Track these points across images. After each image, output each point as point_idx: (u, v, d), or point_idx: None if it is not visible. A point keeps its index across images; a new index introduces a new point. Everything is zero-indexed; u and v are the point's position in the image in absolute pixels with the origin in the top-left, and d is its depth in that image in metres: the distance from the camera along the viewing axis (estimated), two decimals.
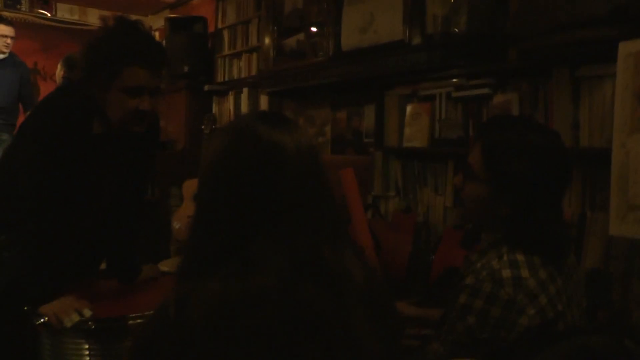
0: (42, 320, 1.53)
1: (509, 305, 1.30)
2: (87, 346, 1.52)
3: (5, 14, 5.60)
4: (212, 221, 0.96)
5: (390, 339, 0.97)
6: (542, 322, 1.30)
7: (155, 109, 1.82)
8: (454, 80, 2.85)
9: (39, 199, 1.69)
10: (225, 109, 5.00)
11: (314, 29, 3.68)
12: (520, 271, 1.33)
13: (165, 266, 2.31)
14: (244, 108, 4.72)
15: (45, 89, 6.43)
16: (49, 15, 6.35)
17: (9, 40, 4.84)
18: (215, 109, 5.13)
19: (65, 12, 6.47)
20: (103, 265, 2.20)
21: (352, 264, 0.96)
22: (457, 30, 2.61)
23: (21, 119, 5.23)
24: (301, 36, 3.79)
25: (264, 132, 0.96)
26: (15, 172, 1.75)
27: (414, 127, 3.07)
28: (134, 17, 5.88)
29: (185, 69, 5.07)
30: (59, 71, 3.93)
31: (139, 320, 1.49)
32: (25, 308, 1.61)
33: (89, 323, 1.51)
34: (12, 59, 5.00)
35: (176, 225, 4.23)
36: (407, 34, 2.85)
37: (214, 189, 0.97)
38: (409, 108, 3.11)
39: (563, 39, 2.18)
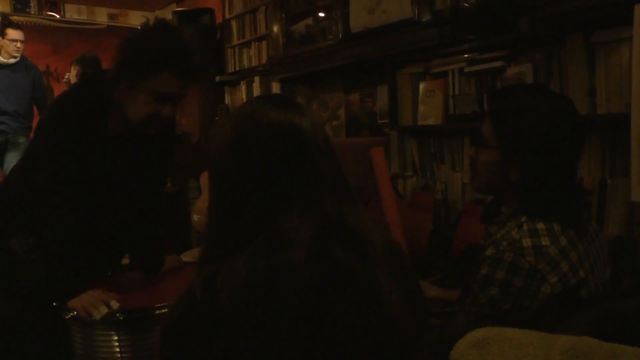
0: (71, 314, 1.56)
1: (531, 274, 1.30)
2: (116, 337, 1.54)
3: (15, 18, 5.64)
4: (234, 205, 0.97)
5: (414, 300, 0.99)
6: (565, 289, 1.30)
7: (173, 117, 1.83)
8: (466, 55, 2.83)
9: (60, 197, 1.71)
10: (238, 98, 5.01)
11: (321, 14, 3.67)
12: (541, 239, 1.33)
13: (187, 257, 2.33)
14: None
15: (58, 91, 6.48)
16: (57, 16, 6.39)
17: (19, 45, 4.89)
18: (227, 99, 5.15)
19: (73, 13, 6.50)
20: (126, 259, 2.24)
21: (372, 229, 0.99)
22: (466, 4, 2.59)
23: (36, 121, 5.29)
24: (310, 20, 3.77)
25: (277, 115, 0.99)
26: (35, 172, 1.77)
27: (428, 104, 3.05)
28: (141, 13, 5.88)
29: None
30: (73, 70, 3.96)
31: (165, 310, 1.51)
32: (55, 303, 1.64)
33: (117, 315, 1.54)
34: (23, 63, 5.05)
35: (196, 217, 4.26)
36: (416, 12, 2.83)
37: (232, 175, 0.98)
38: (422, 86, 3.09)
39: (575, 5, 2.15)
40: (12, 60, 4.84)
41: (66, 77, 4.96)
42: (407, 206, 2.95)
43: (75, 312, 1.56)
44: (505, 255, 1.32)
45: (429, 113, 3.05)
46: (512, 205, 1.45)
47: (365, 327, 0.88)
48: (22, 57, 5.00)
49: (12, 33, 4.83)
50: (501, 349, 0.94)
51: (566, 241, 1.34)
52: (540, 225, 1.35)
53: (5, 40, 4.80)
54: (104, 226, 1.87)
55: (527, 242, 1.32)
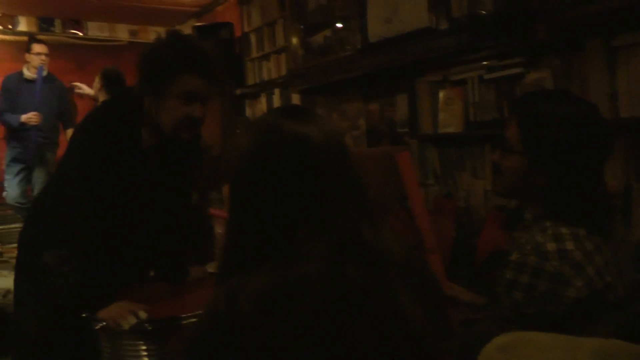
0: (101, 324, 1.58)
1: (556, 278, 1.29)
2: (144, 347, 1.56)
3: (41, 37, 5.76)
4: (251, 218, 0.98)
5: (437, 313, 0.98)
6: (591, 293, 1.29)
7: (205, 118, 1.85)
8: (485, 62, 2.83)
9: (89, 213, 1.74)
10: (258, 110, 5.05)
11: (339, 25, 3.70)
12: (565, 243, 1.32)
13: (211, 268, 2.35)
14: None
15: (82, 107, 6.58)
16: (80, 34, 6.51)
17: (44, 57, 5.00)
18: (248, 111, 5.19)
19: (95, 30, 6.62)
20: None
21: (392, 243, 0.98)
22: (483, 11, 2.60)
23: (62, 137, 5.38)
24: (328, 32, 3.81)
25: (289, 127, 0.98)
26: (66, 188, 1.81)
27: (448, 112, 3.06)
28: (160, 29, 5.96)
29: None
30: (96, 84, 4.03)
31: (192, 320, 1.53)
32: (84, 315, 1.66)
33: (145, 325, 1.56)
34: (49, 78, 5.15)
35: (219, 229, 4.29)
36: (434, 20, 2.85)
37: (248, 188, 0.99)
38: (441, 94, 3.09)
39: (595, 9, 2.15)
40: (41, 74, 4.95)
41: (78, 88, 5.04)
42: (430, 214, 2.95)
43: (104, 323, 1.58)
44: (529, 260, 1.32)
45: (449, 121, 3.05)
46: (536, 211, 1.45)
47: (383, 342, 0.88)
48: (48, 73, 5.10)
49: (36, 47, 4.95)
50: (528, 352, 0.94)
51: (592, 246, 1.33)
52: (565, 230, 1.35)
53: (31, 54, 4.92)
54: (133, 238, 1.90)
55: (551, 246, 1.32)
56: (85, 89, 4.95)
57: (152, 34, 6.90)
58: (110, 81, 3.96)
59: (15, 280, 2.00)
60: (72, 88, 5.53)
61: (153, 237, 1.98)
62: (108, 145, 1.76)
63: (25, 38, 5.45)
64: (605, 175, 1.85)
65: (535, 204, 1.45)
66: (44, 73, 5.01)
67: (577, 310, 1.28)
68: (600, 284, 1.31)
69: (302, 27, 4.03)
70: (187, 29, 6.24)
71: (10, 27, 6.29)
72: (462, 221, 2.97)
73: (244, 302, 0.88)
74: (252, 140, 1.01)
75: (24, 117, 4.82)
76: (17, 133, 4.94)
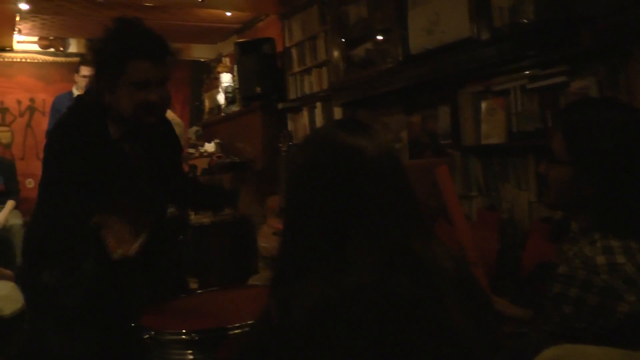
0: (149, 334, 1.62)
1: (606, 292, 1.26)
2: (192, 357, 1.59)
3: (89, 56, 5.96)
4: (304, 228, 0.99)
5: (485, 325, 0.98)
6: None
7: (164, 98, 1.84)
8: (527, 71, 2.80)
9: (80, 216, 1.69)
10: (301, 124, 5.09)
11: (378, 37, 3.71)
12: (616, 257, 1.29)
13: (255, 281, 2.38)
14: (319, 122, 4.79)
15: None
16: None
17: (88, 79, 5.16)
18: (290, 125, 5.23)
19: None
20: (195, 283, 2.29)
21: (441, 255, 0.98)
22: (525, 20, 2.57)
23: None
24: (369, 44, 3.82)
25: (343, 139, 1.00)
26: (52, 199, 1.81)
27: (491, 123, 3.03)
28: (203, 46, 6.05)
29: (258, 89, 5.20)
30: None
31: (238, 331, 1.55)
32: (132, 324, 1.70)
33: (193, 334, 1.59)
34: None
35: (263, 243, 4.33)
36: (475, 30, 2.83)
37: (302, 199, 1.01)
38: (483, 104, 3.07)
39: None
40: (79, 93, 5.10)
41: None
42: (473, 227, 2.92)
43: (153, 332, 1.61)
44: (579, 273, 1.29)
45: (492, 131, 3.02)
46: (584, 222, 1.42)
47: (432, 354, 0.88)
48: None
49: (83, 69, 5.11)
50: None
51: None
52: (615, 243, 1.32)
53: (79, 76, 5.09)
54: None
55: (600, 259, 1.29)
56: None
57: (195, 51, 7.04)
58: None
59: (31, 313, 2.02)
60: None
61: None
62: (77, 144, 1.75)
63: (76, 59, 5.63)
64: None
65: (583, 216, 1.42)
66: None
67: (629, 324, 1.25)
68: None
69: (343, 40, 4.05)
70: (229, 46, 6.35)
71: (61, 49, 6.52)
72: (506, 233, 2.93)
73: (296, 312, 0.89)
74: (308, 152, 1.03)
75: None
76: None
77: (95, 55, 1.80)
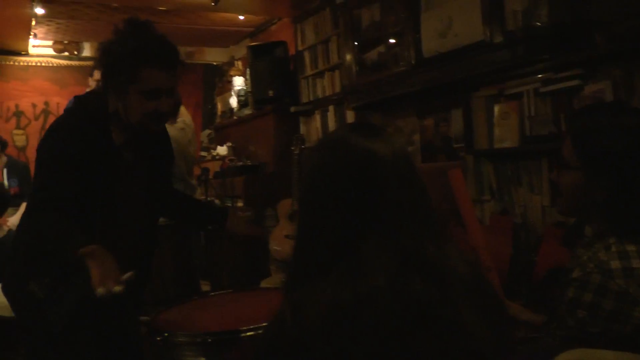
0: (162, 336, 1.63)
1: (622, 297, 1.25)
2: (204, 359, 1.60)
3: None
4: (318, 231, 1.00)
5: (499, 330, 0.97)
6: None
7: (172, 108, 1.82)
8: (541, 75, 2.79)
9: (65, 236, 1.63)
10: (313, 128, 5.09)
11: (391, 41, 3.71)
12: (631, 261, 1.28)
13: (267, 284, 2.39)
14: (331, 126, 4.80)
15: None
16: None
17: (100, 83, 5.20)
18: (302, 129, 5.24)
19: None
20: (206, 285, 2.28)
21: (456, 259, 0.98)
22: (539, 23, 2.56)
23: None
24: (382, 48, 3.82)
25: (357, 143, 1.00)
26: (40, 209, 1.70)
27: (504, 127, 3.02)
28: (216, 49, 6.06)
29: (270, 93, 5.21)
30: None
31: (251, 333, 1.56)
32: (145, 323, 1.70)
33: (206, 337, 1.59)
34: None
35: (275, 246, 4.33)
36: (488, 34, 2.83)
37: (316, 202, 1.01)
38: (496, 108, 3.06)
39: None
40: None
41: None
42: (485, 231, 2.91)
43: (166, 334, 1.62)
44: (593, 278, 1.28)
45: (505, 135, 3.01)
46: (598, 227, 1.41)
47: (445, 358, 0.88)
48: None
49: (97, 73, 5.14)
50: None
51: None
52: (631, 247, 1.31)
53: (92, 80, 5.12)
54: (121, 243, 1.82)
55: (616, 264, 1.28)
56: None
57: (208, 54, 7.08)
58: None
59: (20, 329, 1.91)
60: None
61: (134, 233, 1.92)
62: (80, 147, 1.70)
63: (90, 63, 5.68)
64: None
65: (596, 220, 1.41)
66: None
67: None
68: None
69: (356, 43, 4.05)
70: (242, 49, 6.38)
71: (75, 53, 6.58)
72: (519, 238, 2.91)
73: (310, 314, 0.89)
74: (322, 155, 1.03)
75: None
76: None
77: (106, 58, 1.73)
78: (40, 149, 1.78)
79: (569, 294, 1.32)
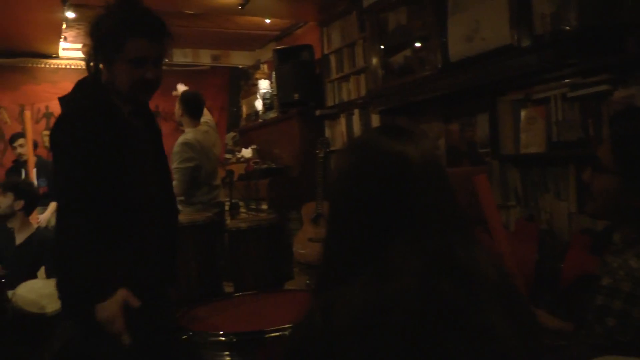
0: (187, 335, 1.64)
1: None
2: (229, 359, 1.61)
3: None
4: (347, 233, 1.00)
5: (528, 335, 0.97)
6: None
7: (158, 78, 1.88)
8: (569, 79, 2.75)
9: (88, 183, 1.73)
10: (338, 131, 5.10)
11: (417, 45, 3.70)
12: None
13: (290, 287, 2.40)
14: (356, 129, 4.79)
15: (166, 130, 6.88)
16: (166, 61, 6.79)
17: None
18: (327, 132, 5.25)
19: (180, 57, 6.89)
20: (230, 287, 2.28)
21: (484, 262, 0.97)
22: (567, 27, 2.53)
23: None
24: (408, 52, 3.81)
25: (387, 145, 1.00)
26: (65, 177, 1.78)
27: (530, 132, 2.99)
28: (242, 52, 6.06)
29: (296, 96, 5.23)
30: (177, 110, 4.17)
31: (275, 334, 1.57)
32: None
33: (231, 337, 1.61)
34: None
35: (299, 249, 4.34)
36: (516, 37, 2.80)
37: (345, 204, 1.02)
38: (523, 113, 3.03)
39: None
40: None
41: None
42: (511, 237, 2.88)
43: (191, 333, 1.64)
44: (623, 285, 1.27)
45: (531, 140, 2.98)
46: (629, 234, 1.39)
47: None
48: None
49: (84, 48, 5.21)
50: None
51: None
52: None
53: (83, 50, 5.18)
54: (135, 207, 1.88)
55: None
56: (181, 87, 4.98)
57: (234, 58, 7.14)
58: (190, 106, 4.09)
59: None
60: (157, 111, 5.76)
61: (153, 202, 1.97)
62: (100, 123, 1.77)
63: None
64: None
65: (629, 227, 1.39)
66: None
67: None
68: None
69: (382, 47, 4.05)
70: (267, 53, 6.42)
71: None
72: (545, 244, 2.88)
73: (340, 316, 0.90)
74: (351, 158, 1.04)
75: None
76: None
77: (94, 29, 1.83)
78: (58, 139, 1.83)
79: (598, 301, 1.30)
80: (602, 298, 1.30)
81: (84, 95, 1.88)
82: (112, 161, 1.79)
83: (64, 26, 5.30)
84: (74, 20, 5.16)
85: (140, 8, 1.85)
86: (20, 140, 5.37)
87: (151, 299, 1.83)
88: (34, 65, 6.41)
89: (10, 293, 3.07)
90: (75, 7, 4.72)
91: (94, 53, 1.85)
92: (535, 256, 2.74)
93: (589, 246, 2.53)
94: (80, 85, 1.94)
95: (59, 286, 1.85)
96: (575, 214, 2.78)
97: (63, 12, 4.82)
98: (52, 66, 6.45)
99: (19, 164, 5.43)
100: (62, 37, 5.69)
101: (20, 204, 3.72)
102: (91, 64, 1.87)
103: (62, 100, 1.97)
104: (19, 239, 3.71)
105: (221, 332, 1.62)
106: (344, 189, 1.02)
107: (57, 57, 6.38)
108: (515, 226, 3.04)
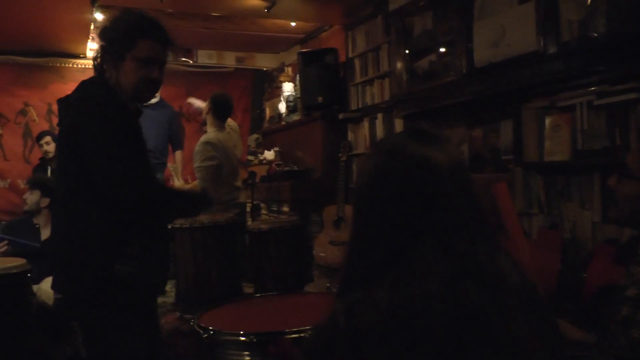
0: (207, 334, 1.66)
1: None
2: (248, 358, 1.62)
3: None
4: (372, 236, 1.00)
5: (551, 345, 0.96)
6: None
7: (161, 81, 2.01)
8: (595, 87, 2.72)
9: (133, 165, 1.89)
10: (361, 135, 5.10)
11: (442, 50, 3.68)
12: None
13: (310, 289, 2.40)
14: (379, 133, 4.79)
15: (190, 130, 6.95)
16: (191, 62, 6.86)
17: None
18: (350, 136, 5.25)
19: (204, 58, 6.94)
20: (249, 288, 2.30)
21: (507, 268, 0.97)
22: (595, 34, 2.51)
23: (169, 158, 5.66)
24: (433, 57, 3.79)
25: (415, 149, 1.01)
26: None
27: (555, 139, 2.96)
28: (266, 55, 6.14)
29: (320, 99, 5.24)
30: (206, 107, 4.20)
31: (295, 335, 1.58)
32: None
33: (251, 336, 1.62)
34: (161, 103, 5.46)
35: (319, 252, 4.35)
36: (542, 44, 2.78)
37: (371, 207, 1.02)
38: (548, 120, 3.00)
39: None
40: (153, 100, 5.25)
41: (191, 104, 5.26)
42: (533, 245, 2.85)
43: (211, 332, 1.65)
44: None
45: (556, 148, 2.95)
46: None
47: None
48: (160, 98, 5.40)
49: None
50: None
51: None
52: None
53: None
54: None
55: None
56: (197, 103, 5.09)
57: (258, 60, 7.17)
58: (219, 105, 4.13)
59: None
60: (181, 112, 5.79)
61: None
62: (113, 119, 1.86)
63: None
64: None
65: None
66: (156, 99, 5.28)
67: None
68: None
69: (407, 51, 4.04)
70: (292, 55, 6.44)
71: None
72: (568, 253, 2.85)
73: (363, 318, 0.90)
74: (378, 161, 1.04)
75: None
76: None
77: (106, 29, 1.96)
78: (86, 134, 1.86)
79: (622, 312, 1.29)
80: (627, 309, 1.28)
81: (97, 94, 1.94)
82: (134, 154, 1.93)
83: (92, 27, 5.37)
84: (102, 21, 5.23)
85: (149, 17, 1.99)
86: (47, 138, 5.44)
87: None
88: (62, 65, 6.51)
89: (35, 287, 3.12)
90: (103, 8, 4.79)
91: (102, 53, 1.96)
92: (558, 265, 2.72)
93: (613, 256, 2.50)
94: (87, 85, 1.99)
95: (64, 286, 1.94)
96: (599, 223, 2.74)
97: (92, 14, 4.88)
98: (79, 66, 6.54)
99: (45, 161, 5.50)
100: (90, 37, 5.77)
101: (46, 201, 3.79)
102: (97, 61, 1.96)
103: (65, 100, 1.99)
104: (44, 235, 3.79)
105: (241, 332, 1.63)
106: (371, 192, 1.02)
107: (85, 57, 6.46)
108: (538, 235, 3.01)
